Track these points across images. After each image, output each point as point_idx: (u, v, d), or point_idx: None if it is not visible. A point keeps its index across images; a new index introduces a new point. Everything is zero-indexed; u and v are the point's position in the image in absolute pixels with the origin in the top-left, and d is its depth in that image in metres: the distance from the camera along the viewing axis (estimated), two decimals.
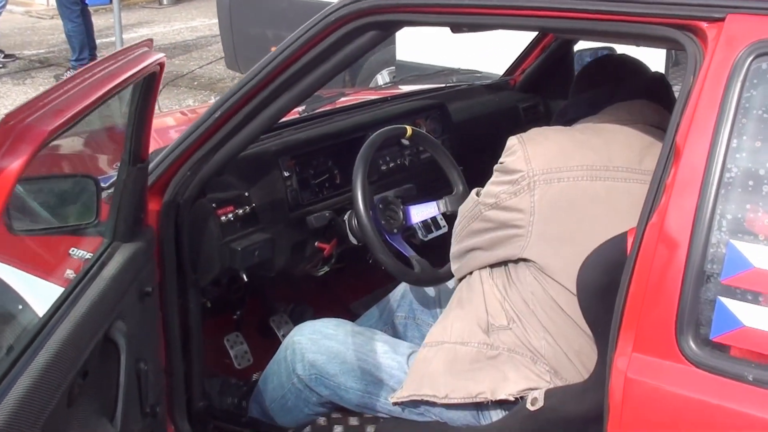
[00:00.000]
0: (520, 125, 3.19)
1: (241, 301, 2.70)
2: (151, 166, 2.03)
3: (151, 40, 1.75)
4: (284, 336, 2.67)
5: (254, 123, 2.05)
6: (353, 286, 3.07)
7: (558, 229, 1.74)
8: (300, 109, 2.78)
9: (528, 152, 1.75)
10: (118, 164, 1.86)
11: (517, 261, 1.81)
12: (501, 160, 1.82)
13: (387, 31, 1.88)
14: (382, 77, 5.67)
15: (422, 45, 4.91)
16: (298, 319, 2.83)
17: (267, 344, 2.74)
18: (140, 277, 1.97)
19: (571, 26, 1.59)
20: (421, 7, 1.75)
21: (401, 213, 2.34)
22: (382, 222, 2.27)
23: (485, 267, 1.90)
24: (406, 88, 3.39)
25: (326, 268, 2.55)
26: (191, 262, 2.19)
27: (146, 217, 2.04)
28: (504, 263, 1.85)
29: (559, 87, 2.99)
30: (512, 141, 1.80)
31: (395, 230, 2.29)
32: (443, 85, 3.32)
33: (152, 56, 1.68)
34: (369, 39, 1.87)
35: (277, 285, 2.84)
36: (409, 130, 2.36)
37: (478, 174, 2.62)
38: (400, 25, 1.89)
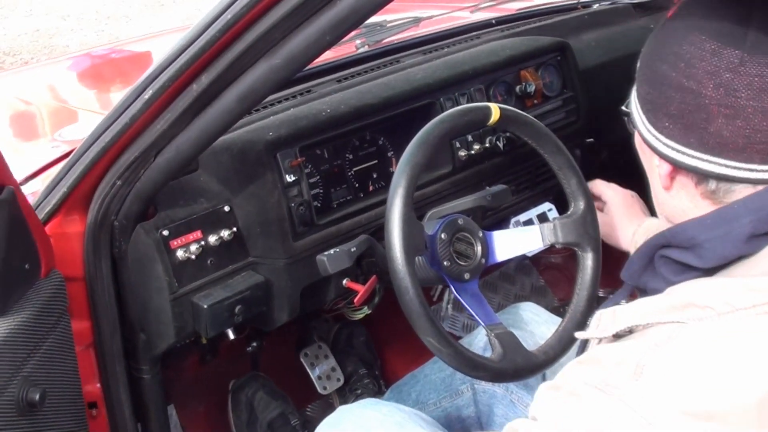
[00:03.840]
0: None
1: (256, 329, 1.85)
2: (63, 165, 1.28)
3: None
4: (320, 379, 1.94)
5: (220, 103, 1.16)
6: None
7: None
8: (358, 42, 1.87)
9: None
10: None
11: None
12: None
13: None
14: None
15: None
16: (343, 350, 2.01)
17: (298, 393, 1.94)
18: (21, 373, 1.17)
19: None
20: None
21: (479, 246, 1.36)
22: (445, 263, 1.31)
23: None
24: (517, 5, 2.31)
25: (367, 310, 1.65)
26: (137, 317, 1.36)
27: (44, 261, 1.24)
28: None
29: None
30: None
31: (466, 276, 1.33)
32: (574, 1, 2.25)
33: None
34: None
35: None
36: (495, 111, 1.35)
37: (614, 168, 1.63)
38: None
